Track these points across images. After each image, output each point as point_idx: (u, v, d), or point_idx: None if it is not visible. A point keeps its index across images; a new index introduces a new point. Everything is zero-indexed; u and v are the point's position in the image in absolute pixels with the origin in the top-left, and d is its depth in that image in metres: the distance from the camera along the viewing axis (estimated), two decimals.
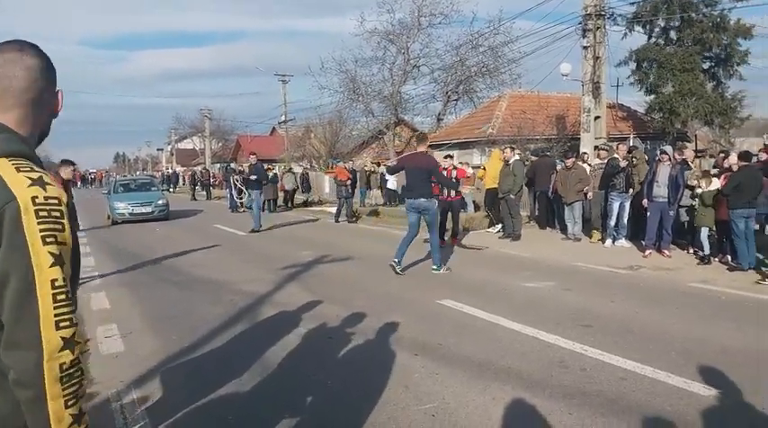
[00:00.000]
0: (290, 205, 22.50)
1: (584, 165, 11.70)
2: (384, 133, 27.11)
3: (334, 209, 20.49)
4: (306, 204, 23.63)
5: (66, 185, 8.28)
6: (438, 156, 13.98)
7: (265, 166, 17.75)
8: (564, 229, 11.62)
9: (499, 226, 12.55)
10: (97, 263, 9.93)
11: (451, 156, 13.00)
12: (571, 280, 7.74)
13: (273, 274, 8.49)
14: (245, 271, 9.00)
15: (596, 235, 10.85)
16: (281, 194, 22.44)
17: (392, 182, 21.63)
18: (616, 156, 10.47)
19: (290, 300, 6.82)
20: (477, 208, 15.57)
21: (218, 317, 6.16)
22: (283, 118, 36.33)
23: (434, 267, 8.41)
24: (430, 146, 17.91)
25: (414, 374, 4.40)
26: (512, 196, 11.55)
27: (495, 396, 3.96)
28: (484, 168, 14.20)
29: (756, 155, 9.85)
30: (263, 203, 20.95)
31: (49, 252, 1.34)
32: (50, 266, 1.34)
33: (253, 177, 14.53)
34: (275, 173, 22.52)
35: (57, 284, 1.34)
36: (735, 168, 8.47)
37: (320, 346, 5.18)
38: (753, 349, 4.80)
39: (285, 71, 37.09)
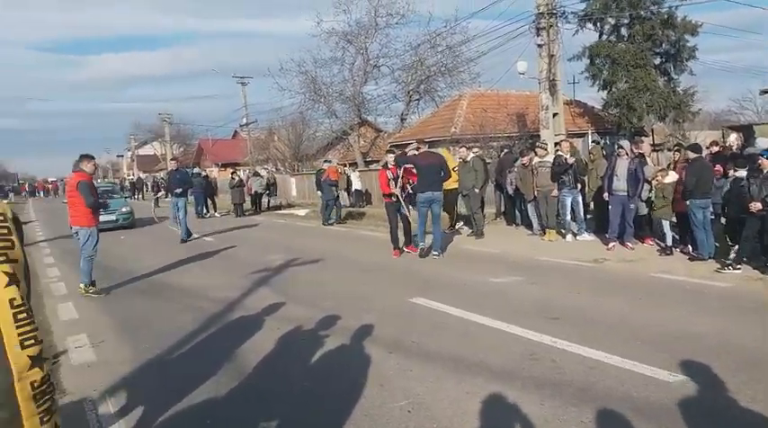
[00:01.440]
0: (258, 209, 22.35)
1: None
2: (348, 134, 27.08)
3: (302, 212, 20.51)
4: (275, 208, 23.48)
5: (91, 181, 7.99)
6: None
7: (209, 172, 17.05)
8: (529, 226, 11.83)
9: (460, 224, 12.72)
10: (62, 273, 9.75)
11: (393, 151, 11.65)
12: (537, 275, 7.90)
13: (243, 279, 8.45)
14: (212, 278, 8.93)
15: (551, 233, 10.79)
16: (247, 198, 22.28)
17: (357, 183, 21.66)
18: (560, 153, 10.59)
19: (261, 305, 6.80)
20: None
21: (189, 324, 6.12)
22: (245, 120, 35.95)
23: (435, 253, 9.66)
24: (394, 146, 18.02)
25: (388, 372, 4.46)
26: (476, 190, 11.66)
27: (468, 390, 4.05)
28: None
29: (709, 148, 10.17)
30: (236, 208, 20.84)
31: (3, 271, 1.29)
32: (5, 286, 1.30)
33: (178, 190, 13.76)
34: (240, 178, 22.32)
35: (15, 303, 1.30)
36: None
37: (294, 348, 5.20)
38: (716, 336, 4.97)
39: (243, 73, 36.62)
